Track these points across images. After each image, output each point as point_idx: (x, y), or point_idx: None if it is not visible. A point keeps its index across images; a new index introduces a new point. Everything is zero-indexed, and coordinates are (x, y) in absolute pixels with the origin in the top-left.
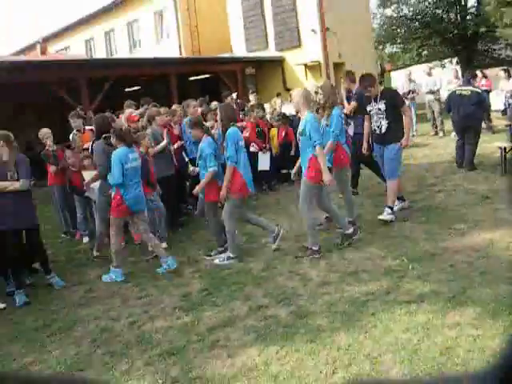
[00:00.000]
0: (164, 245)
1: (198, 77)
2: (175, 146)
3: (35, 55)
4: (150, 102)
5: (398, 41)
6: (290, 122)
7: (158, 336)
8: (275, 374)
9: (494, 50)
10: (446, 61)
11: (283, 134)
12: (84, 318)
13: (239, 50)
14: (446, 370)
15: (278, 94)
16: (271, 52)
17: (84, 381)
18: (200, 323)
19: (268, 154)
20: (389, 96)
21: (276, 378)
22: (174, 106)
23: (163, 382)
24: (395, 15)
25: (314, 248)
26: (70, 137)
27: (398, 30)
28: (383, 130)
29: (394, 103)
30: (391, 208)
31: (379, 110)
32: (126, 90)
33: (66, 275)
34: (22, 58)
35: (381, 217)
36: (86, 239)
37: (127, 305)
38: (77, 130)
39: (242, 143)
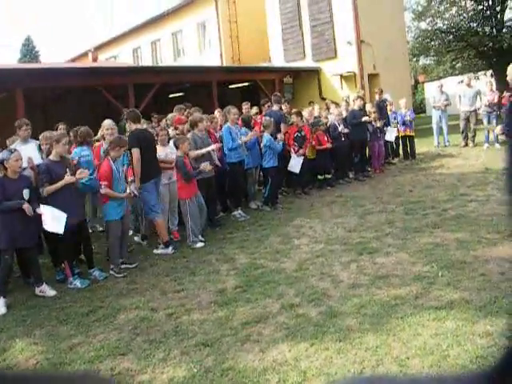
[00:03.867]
0: (201, 243)
1: (238, 85)
2: (213, 147)
3: (87, 63)
4: (189, 107)
5: (432, 53)
6: (327, 128)
7: (194, 328)
8: (304, 370)
9: None
10: (480, 73)
11: (321, 139)
12: (126, 307)
13: (278, 59)
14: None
15: (311, 103)
16: (308, 62)
17: (84, 376)
18: (234, 318)
19: (301, 158)
20: None
21: (305, 374)
22: (215, 112)
23: (197, 371)
24: (430, 28)
25: None
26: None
27: (432, 43)
28: None
29: None
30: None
31: None
32: (170, 96)
33: (108, 267)
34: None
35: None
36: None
37: (166, 297)
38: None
39: None
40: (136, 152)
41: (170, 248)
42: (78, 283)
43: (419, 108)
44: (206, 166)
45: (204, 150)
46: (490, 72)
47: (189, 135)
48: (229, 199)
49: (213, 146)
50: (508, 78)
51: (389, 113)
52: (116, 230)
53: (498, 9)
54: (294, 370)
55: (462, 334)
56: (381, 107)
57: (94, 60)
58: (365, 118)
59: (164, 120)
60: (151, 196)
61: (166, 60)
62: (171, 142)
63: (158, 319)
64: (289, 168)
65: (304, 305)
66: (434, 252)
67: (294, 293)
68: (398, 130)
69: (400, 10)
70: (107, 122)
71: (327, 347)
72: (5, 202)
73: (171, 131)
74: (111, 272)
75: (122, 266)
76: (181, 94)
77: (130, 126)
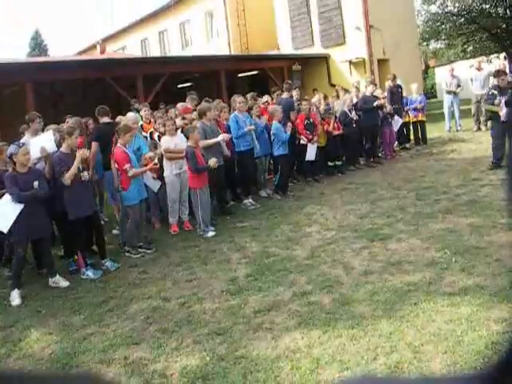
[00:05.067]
0: (212, 233)
1: (247, 73)
2: (222, 136)
3: (95, 55)
4: (195, 99)
5: (443, 37)
6: (336, 116)
7: (206, 316)
8: (317, 357)
9: None
10: (492, 56)
11: (330, 127)
12: (138, 296)
13: (286, 47)
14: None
15: (314, 90)
16: (317, 49)
17: (86, 376)
18: (246, 306)
19: (315, 146)
20: None
21: (318, 361)
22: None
23: (210, 359)
24: (440, 11)
25: None
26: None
27: (443, 26)
28: None
29: None
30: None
31: None
32: (179, 86)
33: (121, 257)
34: (85, 57)
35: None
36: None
37: (178, 286)
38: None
39: None
40: (94, 145)
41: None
42: (90, 274)
43: (430, 93)
44: (213, 162)
45: (212, 141)
46: (503, 55)
47: (198, 125)
48: (239, 188)
49: (221, 137)
50: None
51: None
52: (136, 215)
53: None
54: (307, 358)
55: (476, 319)
56: (393, 92)
57: (102, 52)
58: (376, 102)
59: (172, 110)
60: (111, 185)
61: (174, 50)
62: (179, 131)
63: (170, 308)
64: (306, 158)
65: (316, 292)
66: (446, 238)
67: (305, 280)
68: (408, 115)
69: None
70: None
71: (340, 334)
72: (19, 193)
73: (179, 121)
74: (127, 254)
75: (141, 250)
76: (189, 84)
77: (102, 119)
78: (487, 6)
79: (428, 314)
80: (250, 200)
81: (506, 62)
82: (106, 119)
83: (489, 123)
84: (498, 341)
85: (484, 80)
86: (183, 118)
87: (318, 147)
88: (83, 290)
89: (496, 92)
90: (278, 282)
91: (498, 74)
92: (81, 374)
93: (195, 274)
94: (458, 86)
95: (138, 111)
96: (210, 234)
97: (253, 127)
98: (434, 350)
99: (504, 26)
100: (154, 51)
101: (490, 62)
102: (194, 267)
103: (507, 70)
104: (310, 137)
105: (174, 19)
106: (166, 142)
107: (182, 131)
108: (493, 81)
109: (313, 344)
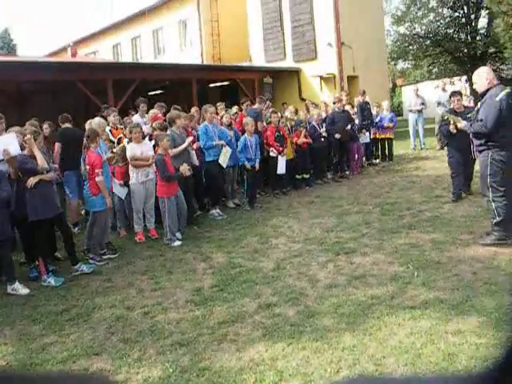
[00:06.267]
0: (178, 242)
1: (218, 84)
2: (194, 146)
3: (66, 58)
4: (163, 107)
5: (410, 57)
6: (306, 129)
7: (170, 327)
8: (281, 370)
9: (502, 70)
10: (455, 78)
11: (301, 139)
12: (101, 305)
13: (258, 59)
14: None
15: (284, 104)
16: (288, 63)
17: (89, 377)
18: (211, 317)
19: (285, 158)
20: None
21: (282, 374)
22: (192, 110)
23: (173, 371)
24: (408, 33)
25: None
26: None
27: (410, 47)
28: None
29: None
30: None
31: None
32: (150, 93)
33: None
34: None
35: None
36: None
37: (142, 295)
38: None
39: None
40: (57, 146)
41: (77, 228)
42: (52, 281)
43: (397, 111)
44: (184, 169)
45: (181, 147)
46: (464, 78)
47: (168, 132)
48: (206, 198)
49: (190, 139)
50: (474, 86)
51: (373, 113)
52: (102, 221)
53: (472, 17)
54: (271, 370)
55: (435, 332)
56: (363, 109)
57: (73, 55)
58: (348, 128)
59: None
60: (70, 183)
61: (146, 57)
62: (147, 138)
63: (133, 318)
64: (278, 171)
65: (281, 304)
66: (409, 252)
67: (271, 292)
68: (377, 131)
69: (380, 14)
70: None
71: (304, 347)
72: None
73: (146, 128)
74: (91, 261)
75: (104, 257)
76: (160, 91)
77: (63, 125)
78: (451, 31)
79: (390, 327)
80: (218, 210)
81: (467, 85)
82: (67, 125)
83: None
84: (454, 352)
85: (447, 101)
86: (152, 126)
87: (286, 160)
88: (44, 297)
89: (448, 117)
90: (243, 294)
91: (454, 94)
92: (92, 376)
93: (160, 283)
94: (422, 104)
95: (105, 118)
96: (177, 243)
97: (222, 142)
98: (395, 362)
99: (465, 50)
100: (126, 57)
101: (453, 83)
102: (159, 276)
103: (468, 93)
104: (281, 149)
105: (147, 26)
106: (133, 150)
107: (149, 139)
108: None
109: (277, 356)
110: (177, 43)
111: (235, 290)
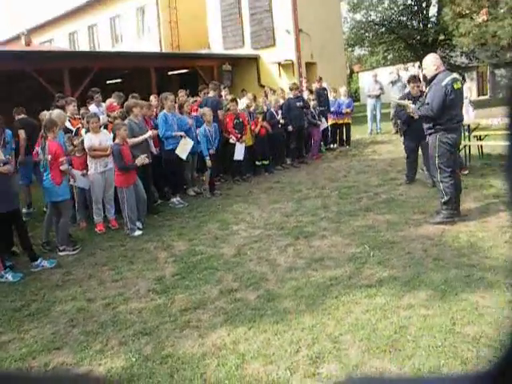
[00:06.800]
0: (139, 231)
1: (177, 72)
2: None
3: (20, 46)
4: (121, 97)
5: (366, 44)
6: (264, 115)
7: (132, 317)
8: (243, 353)
9: (451, 56)
10: (409, 64)
11: (259, 126)
12: (61, 299)
13: (217, 46)
14: (401, 346)
15: (243, 91)
16: (247, 50)
17: (88, 376)
18: (172, 305)
19: (243, 145)
20: None
21: (243, 357)
22: (151, 98)
23: (136, 360)
24: (364, 20)
25: None
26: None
27: (366, 34)
28: None
29: None
30: None
31: None
32: (108, 82)
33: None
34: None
35: None
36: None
37: (103, 287)
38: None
39: None
40: (22, 132)
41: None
42: (9, 277)
43: (354, 96)
44: (141, 159)
45: (140, 138)
46: (417, 63)
47: (126, 121)
48: (166, 186)
49: (149, 133)
50: (423, 72)
51: (331, 100)
52: (68, 210)
53: (424, 5)
54: (233, 354)
55: (389, 308)
56: (320, 94)
57: (28, 44)
58: (299, 103)
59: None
60: (27, 169)
61: (104, 45)
62: (103, 128)
63: (95, 310)
64: (235, 157)
65: (242, 289)
66: (366, 234)
67: (232, 278)
68: (333, 117)
69: (336, 1)
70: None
71: (265, 329)
72: None
73: (102, 118)
74: (61, 253)
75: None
76: (119, 80)
77: (18, 116)
78: (404, 19)
79: (347, 306)
80: (178, 199)
81: (420, 71)
82: (22, 116)
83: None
84: (405, 325)
85: (401, 86)
86: (108, 116)
87: (245, 147)
88: (1, 294)
89: (398, 103)
90: (204, 280)
91: (413, 80)
92: (83, 376)
93: (121, 273)
94: (381, 89)
95: (62, 108)
96: (137, 232)
97: (181, 133)
98: (351, 339)
99: (418, 37)
100: (83, 46)
101: (407, 69)
102: (120, 267)
103: (421, 78)
104: (239, 136)
105: (104, 13)
106: (90, 140)
107: (105, 128)
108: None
109: (238, 340)
110: (135, 31)
111: (197, 277)
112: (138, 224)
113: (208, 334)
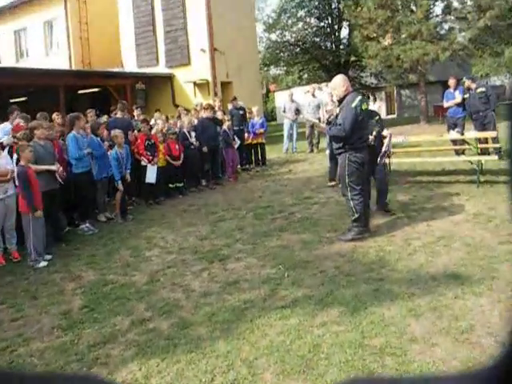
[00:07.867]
0: (44, 262)
1: (88, 90)
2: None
3: None
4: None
5: (282, 64)
6: (177, 136)
7: (34, 359)
8: None
9: (362, 77)
10: (323, 84)
11: (172, 148)
12: None
13: (130, 64)
14: (315, 365)
15: (157, 110)
16: (161, 68)
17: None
18: (80, 341)
19: (155, 167)
20: None
21: None
22: (53, 116)
23: None
24: (279, 40)
25: None
26: None
27: (282, 54)
28: None
29: None
30: None
31: None
32: (12, 100)
33: None
34: None
35: None
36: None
37: (0, 329)
38: None
39: None
40: None
41: None
42: None
43: (270, 116)
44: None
45: (44, 168)
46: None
47: (30, 143)
48: (75, 212)
49: (55, 167)
50: (332, 93)
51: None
52: None
53: (336, 27)
54: None
55: (303, 328)
56: (233, 115)
57: None
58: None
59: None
60: None
61: (7, 60)
62: (5, 150)
63: None
64: (146, 180)
65: (155, 318)
66: (280, 254)
67: (144, 307)
68: (247, 137)
69: (252, 21)
70: None
71: (178, 360)
72: None
73: (8, 138)
74: None
75: None
76: (24, 98)
77: None
78: (318, 40)
79: (262, 329)
80: (88, 225)
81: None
82: None
83: (319, 145)
84: (318, 343)
85: (316, 106)
86: (14, 137)
87: (158, 169)
88: None
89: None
90: (115, 311)
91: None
92: (81, 376)
93: (22, 311)
94: (297, 109)
95: None
96: (42, 263)
97: (90, 150)
98: (266, 362)
99: (331, 58)
100: None
101: (321, 89)
102: (20, 304)
103: (334, 99)
104: (151, 158)
105: (8, 26)
106: None
107: (10, 149)
108: (322, 108)
109: (151, 374)
110: (42, 46)
111: (107, 308)
112: (47, 256)
113: (118, 370)
